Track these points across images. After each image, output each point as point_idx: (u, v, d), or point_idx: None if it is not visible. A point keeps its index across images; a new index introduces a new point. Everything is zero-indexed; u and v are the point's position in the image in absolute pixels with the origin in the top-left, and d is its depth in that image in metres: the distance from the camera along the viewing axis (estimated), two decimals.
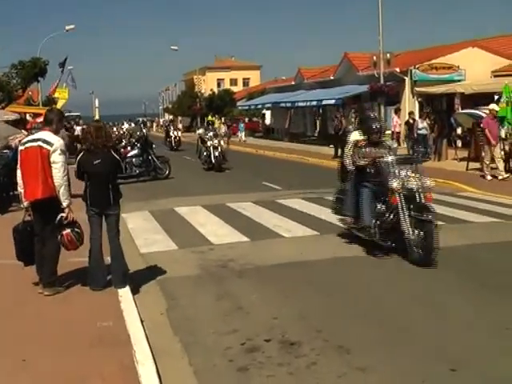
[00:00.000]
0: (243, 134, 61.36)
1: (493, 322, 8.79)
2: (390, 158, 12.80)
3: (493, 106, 25.52)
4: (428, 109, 37.92)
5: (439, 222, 15.56)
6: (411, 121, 33.84)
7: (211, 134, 33.31)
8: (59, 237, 10.01)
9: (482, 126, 25.36)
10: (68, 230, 10.04)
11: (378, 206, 12.80)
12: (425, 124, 32.52)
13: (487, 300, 9.90)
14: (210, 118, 69.94)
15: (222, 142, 33.45)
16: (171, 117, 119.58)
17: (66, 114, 55.28)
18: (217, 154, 31.96)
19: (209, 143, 32.60)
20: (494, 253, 12.95)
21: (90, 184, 10.36)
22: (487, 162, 24.81)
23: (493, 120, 24.64)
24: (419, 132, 32.21)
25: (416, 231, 12.08)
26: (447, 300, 9.94)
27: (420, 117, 33.72)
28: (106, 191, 10.31)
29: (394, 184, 12.32)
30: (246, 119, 70.02)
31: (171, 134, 53.48)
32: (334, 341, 8.19)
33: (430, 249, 11.73)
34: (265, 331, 8.61)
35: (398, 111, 35.53)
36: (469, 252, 13.01)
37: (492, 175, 24.53)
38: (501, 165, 24.66)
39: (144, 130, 33.01)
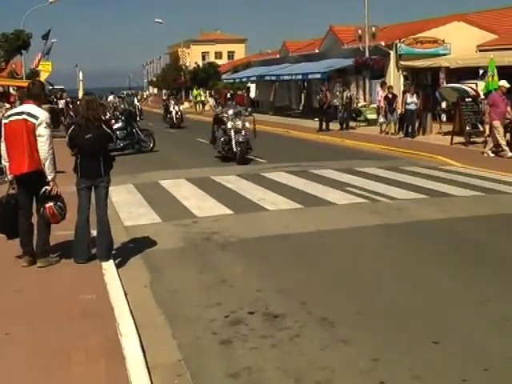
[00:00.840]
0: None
1: (474, 296, 8.85)
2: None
3: (503, 82, 24.91)
4: (411, 83, 37.78)
5: (423, 196, 15.72)
6: (390, 96, 33.13)
7: (232, 112, 24.87)
8: (42, 210, 9.98)
9: (488, 101, 24.94)
10: (51, 204, 9.99)
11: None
12: (414, 99, 31.70)
13: (469, 273, 9.96)
14: (195, 91, 69.58)
15: (247, 124, 24.60)
16: (153, 90, 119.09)
17: (49, 88, 54.95)
18: (241, 139, 23.82)
19: (229, 125, 24.23)
20: (475, 226, 13.02)
21: (81, 157, 10.32)
22: (500, 141, 24.01)
23: (501, 97, 24.12)
24: (407, 107, 31.47)
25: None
26: (430, 273, 10.00)
27: (408, 91, 32.72)
28: (97, 164, 10.27)
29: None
30: (231, 92, 69.66)
31: (171, 109, 46.77)
32: (318, 313, 8.23)
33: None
34: (248, 304, 8.63)
35: (383, 85, 35.21)
36: (451, 225, 13.06)
37: (494, 152, 24.28)
38: (503, 142, 24.05)
39: (137, 103, 32.60)
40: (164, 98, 64.74)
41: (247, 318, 8.17)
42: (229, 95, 32.38)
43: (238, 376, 6.57)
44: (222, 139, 24.55)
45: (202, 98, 69.71)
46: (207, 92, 72.03)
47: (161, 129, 39.59)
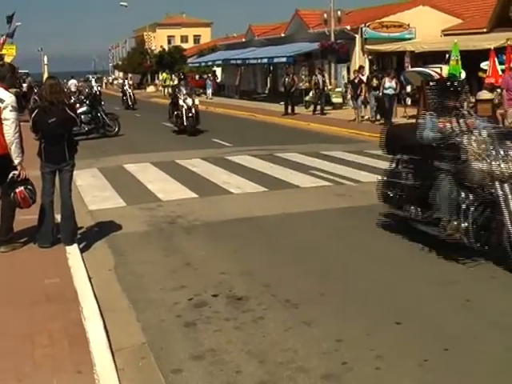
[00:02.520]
0: (210, 91, 59.08)
1: (438, 276, 8.92)
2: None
3: None
4: (376, 67, 37.82)
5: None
6: (356, 80, 32.39)
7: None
8: (12, 194, 9.88)
9: (500, 84, 24.72)
10: (21, 188, 9.89)
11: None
12: (393, 83, 30.33)
13: (433, 254, 10.01)
14: (164, 75, 68.82)
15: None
16: (121, 74, 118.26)
17: None
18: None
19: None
20: None
21: (45, 141, 10.24)
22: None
23: None
24: (385, 92, 30.16)
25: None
26: (394, 254, 10.08)
27: (387, 75, 31.01)
28: (62, 147, 10.20)
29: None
30: (197, 76, 69.27)
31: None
32: (281, 295, 8.27)
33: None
34: (212, 287, 8.65)
35: (361, 69, 34.19)
36: None
37: None
38: None
39: (96, 88, 32.32)
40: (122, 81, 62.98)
41: (211, 300, 8.19)
42: (182, 76, 39.37)
43: (202, 358, 6.60)
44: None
45: (172, 83, 68.63)
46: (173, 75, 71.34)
47: (126, 113, 39.35)
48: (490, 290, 8.41)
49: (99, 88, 32.65)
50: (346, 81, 39.88)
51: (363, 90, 32.11)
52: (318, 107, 37.24)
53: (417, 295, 8.28)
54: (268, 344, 6.88)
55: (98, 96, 29.64)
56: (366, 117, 32.32)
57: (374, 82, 31.75)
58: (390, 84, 30.31)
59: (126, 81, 55.52)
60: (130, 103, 48.25)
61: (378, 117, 31.54)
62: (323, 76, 38.55)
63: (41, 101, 10.52)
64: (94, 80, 39.85)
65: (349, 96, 34.81)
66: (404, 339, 6.94)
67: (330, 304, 8.03)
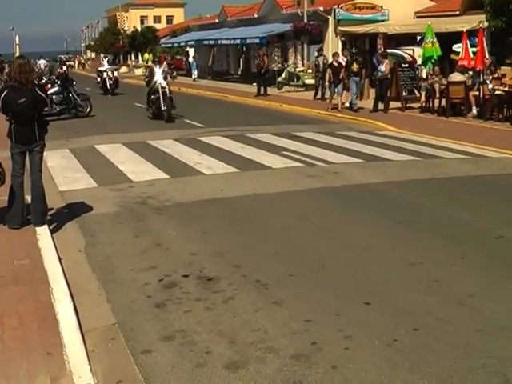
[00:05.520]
0: (196, 72, 56.72)
1: (407, 257, 9.00)
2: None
3: None
4: (354, 49, 37.67)
5: (358, 160, 15.87)
6: (335, 63, 28.72)
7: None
8: None
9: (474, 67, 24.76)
10: None
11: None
12: (382, 67, 27.60)
13: (402, 236, 10.13)
14: (146, 55, 67.95)
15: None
16: (91, 54, 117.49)
17: None
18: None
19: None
20: (410, 190, 13.20)
21: (15, 122, 10.17)
22: None
23: None
24: (379, 75, 27.64)
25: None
26: (363, 236, 10.15)
27: (382, 57, 28.25)
28: (32, 128, 10.15)
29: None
30: (169, 57, 68.83)
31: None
32: (252, 276, 8.29)
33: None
34: (183, 267, 8.66)
35: (335, 55, 32.19)
36: (386, 189, 13.24)
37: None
38: None
39: (64, 68, 32.02)
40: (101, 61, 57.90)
41: (181, 281, 8.20)
42: (156, 59, 36.57)
43: (172, 338, 6.61)
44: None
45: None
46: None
47: (96, 94, 39.03)
48: (459, 271, 8.47)
49: (65, 68, 32.15)
50: (312, 60, 39.11)
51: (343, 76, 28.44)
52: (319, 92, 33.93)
53: (386, 277, 8.32)
54: (238, 324, 6.90)
55: (69, 76, 29.39)
56: (347, 104, 28.58)
57: (355, 66, 28.53)
58: (383, 67, 27.65)
59: (105, 60, 48.79)
60: (108, 87, 42.05)
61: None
62: (325, 57, 34.44)
63: (10, 81, 10.41)
64: (60, 62, 39.44)
65: (323, 81, 32.44)
66: (373, 320, 6.98)
67: (299, 285, 8.06)
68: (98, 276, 8.49)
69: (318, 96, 33.50)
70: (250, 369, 5.96)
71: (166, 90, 25.90)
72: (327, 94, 30.71)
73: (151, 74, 27.39)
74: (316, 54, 35.57)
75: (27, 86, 10.09)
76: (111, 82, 42.17)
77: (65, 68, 32.27)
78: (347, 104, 28.52)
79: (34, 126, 10.15)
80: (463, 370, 5.87)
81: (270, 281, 8.13)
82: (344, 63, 29.26)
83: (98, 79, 44.14)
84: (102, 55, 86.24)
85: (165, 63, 31.08)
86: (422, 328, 6.74)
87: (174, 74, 31.75)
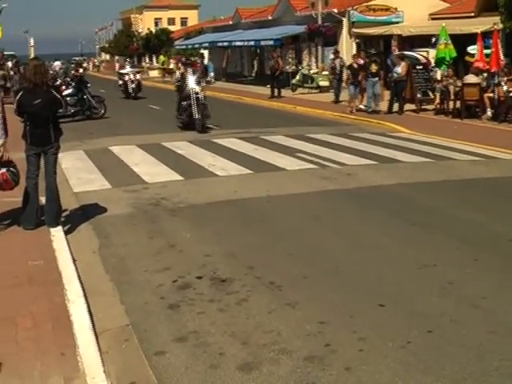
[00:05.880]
0: (213, 74, 54.74)
1: (421, 259, 8.97)
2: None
3: None
4: (373, 50, 37.44)
5: (372, 162, 15.86)
6: (355, 65, 28.44)
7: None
8: None
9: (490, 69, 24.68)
10: (3, 170, 9.85)
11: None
12: (398, 69, 27.08)
13: (416, 238, 10.09)
14: (162, 57, 67.78)
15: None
16: (106, 56, 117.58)
17: None
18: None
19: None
20: (424, 192, 13.17)
21: (30, 123, 10.19)
22: None
23: None
24: (395, 76, 27.20)
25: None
26: (377, 237, 10.13)
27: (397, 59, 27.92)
28: (47, 129, 10.17)
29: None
30: (183, 59, 68.75)
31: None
32: (266, 277, 8.29)
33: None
34: (196, 269, 8.67)
35: (355, 56, 29.53)
36: (399, 191, 13.21)
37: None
38: None
39: (80, 70, 31.95)
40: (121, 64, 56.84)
41: (195, 282, 8.21)
42: (188, 61, 32.36)
43: (186, 340, 6.61)
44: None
45: (171, 66, 66.51)
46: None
47: (118, 97, 39.05)
48: (472, 273, 8.45)
49: (82, 71, 31.97)
50: (329, 63, 39.29)
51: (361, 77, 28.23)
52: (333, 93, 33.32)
53: (399, 278, 8.31)
54: (251, 326, 6.91)
55: (84, 78, 29.48)
56: (362, 106, 28.36)
57: (374, 67, 27.80)
58: (399, 69, 27.16)
59: (127, 62, 46.08)
60: (130, 91, 39.37)
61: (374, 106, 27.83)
62: (342, 60, 33.74)
63: (25, 82, 10.45)
64: (76, 64, 39.18)
65: (340, 84, 32.47)
66: (387, 321, 6.97)
67: (313, 286, 8.06)
68: (111, 277, 8.51)
69: (340, 99, 32.16)
70: (264, 370, 5.96)
71: (200, 95, 22.92)
72: (343, 96, 30.60)
73: (183, 78, 24.51)
74: (332, 56, 35.03)
75: (42, 87, 10.12)
76: (133, 85, 39.61)
77: (81, 70, 32.26)
78: (361, 106, 28.32)
79: (49, 128, 10.18)
80: (477, 372, 5.86)
81: (283, 282, 8.12)
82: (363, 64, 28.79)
83: (120, 82, 41.45)
84: (116, 57, 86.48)
85: (198, 65, 30.15)
86: (435, 330, 6.72)
87: (209, 78, 27.88)
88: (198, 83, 23.31)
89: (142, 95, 39.52)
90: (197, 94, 22.81)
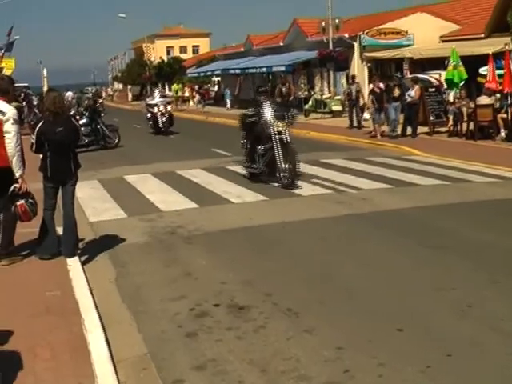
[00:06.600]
0: (229, 102, 56.46)
1: (439, 283, 8.93)
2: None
3: None
4: (398, 74, 37.33)
5: (387, 186, 15.83)
6: (377, 90, 27.84)
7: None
8: (13, 208, 9.85)
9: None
10: (22, 201, 9.87)
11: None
12: (412, 92, 27.23)
13: (433, 261, 10.04)
14: (175, 86, 67.97)
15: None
16: (118, 86, 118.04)
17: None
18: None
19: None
20: (440, 215, 13.11)
21: (51, 154, 10.16)
22: None
23: None
24: (409, 100, 27.15)
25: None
26: (394, 261, 10.10)
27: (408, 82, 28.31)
28: (68, 161, 10.21)
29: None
30: (196, 86, 69.11)
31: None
32: (282, 304, 8.26)
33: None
34: (213, 296, 8.65)
35: (375, 81, 28.98)
36: (415, 215, 13.18)
37: None
38: None
39: (100, 100, 31.92)
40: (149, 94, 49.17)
41: (212, 310, 8.19)
42: (262, 88, 22.30)
43: (204, 368, 6.59)
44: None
45: (186, 94, 65.87)
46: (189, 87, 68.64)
47: (125, 124, 39.21)
48: (490, 296, 8.40)
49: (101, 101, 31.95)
50: (345, 88, 39.65)
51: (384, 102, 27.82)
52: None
53: (417, 301, 8.27)
54: (270, 353, 6.88)
55: (97, 108, 29.60)
56: (383, 131, 27.91)
57: (397, 92, 27.72)
58: (413, 92, 27.25)
59: (157, 91, 38.80)
60: (160, 125, 33.96)
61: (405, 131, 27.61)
62: (358, 85, 33.24)
63: (43, 113, 10.51)
64: (94, 94, 38.98)
65: (364, 113, 32.21)
66: (405, 346, 6.93)
67: (329, 312, 8.03)
68: (128, 306, 8.50)
69: (354, 124, 32.10)
70: None
71: (285, 136, 16.80)
72: (362, 122, 30.86)
73: (257, 111, 17.83)
74: (348, 81, 34.91)
75: (63, 115, 10.21)
76: (164, 118, 33.86)
77: (100, 100, 32.27)
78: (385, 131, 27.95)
79: (70, 159, 10.22)
80: None
81: (300, 308, 8.10)
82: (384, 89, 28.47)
83: (148, 115, 35.57)
84: (129, 86, 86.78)
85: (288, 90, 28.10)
86: (455, 354, 6.67)
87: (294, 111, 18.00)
88: (282, 118, 17.12)
89: (173, 129, 34.54)
90: (280, 133, 16.77)
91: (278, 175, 16.53)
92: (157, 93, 36.72)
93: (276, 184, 14.11)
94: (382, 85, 28.68)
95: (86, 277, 9.43)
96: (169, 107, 35.14)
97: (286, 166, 16.34)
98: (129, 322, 8.00)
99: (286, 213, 13.57)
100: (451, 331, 7.31)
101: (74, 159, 10.33)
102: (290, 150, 16.72)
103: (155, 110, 34.25)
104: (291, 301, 8.36)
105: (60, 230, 10.58)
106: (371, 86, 29.33)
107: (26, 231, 10.87)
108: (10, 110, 9.71)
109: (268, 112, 17.07)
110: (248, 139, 18.34)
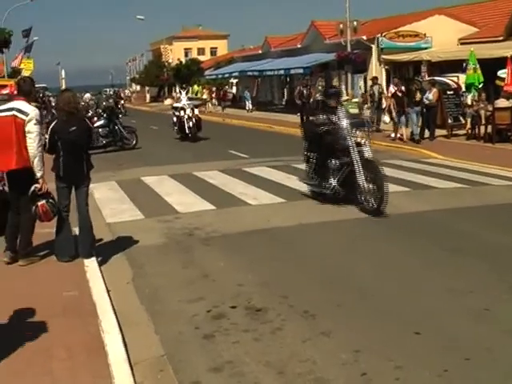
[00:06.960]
0: (250, 103, 56.23)
1: (456, 286, 8.89)
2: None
3: None
4: (420, 78, 37.15)
5: (405, 189, 15.76)
6: (399, 93, 27.05)
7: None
8: (34, 208, 9.89)
9: None
10: (43, 201, 9.90)
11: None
12: (430, 95, 27.02)
13: (451, 264, 10.00)
14: (195, 87, 67.91)
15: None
16: (136, 87, 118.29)
17: None
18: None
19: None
20: (458, 218, 13.06)
21: (64, 154, 10.15)
22: None
23: None
24: (427, 103, 26.94)
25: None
26: (412, 265, 10.06)
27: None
28: (80, 162, 10.21)
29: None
30: (214, 88, 69.15)
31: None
32: (300, 306, 8.25)
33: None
34: (231, 298, 8.64)
35: (398, 84, 28.20)
36: (433, 217, 13.13)
37: None
38: None
39: (122, 101, 31.90)
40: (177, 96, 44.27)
41: (229, 312, 8.18)
42: (332, 90, 16.63)
43: (221, 370, 6.58)
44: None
45: (205, 96, 63.72)
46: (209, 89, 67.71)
47: (143, 126, 39.31)
48: (509, 299, 8.35)
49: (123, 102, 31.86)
50: (362, 91, 39.72)
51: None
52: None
53: (434, 304, 8.24)
54: (286, 355, 6.86)
55: (118, 109, 29.57)
56: (403, 134, 27.25)
57: (418, 95, 27.10)
58: (430, 95, 27.07)
59: (184, 92, 36.20)
60: (187, 131, 31.22)
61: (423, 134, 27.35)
62: (380, 87, 32.95)
63: (58, 112, 10.56)
64: (116, 95, 38.93)
65: (384, 116, 31.43)
66: (423, 349, 6.90)
67: (346, 314, 8.01)
68: (146, 307, 8.51)
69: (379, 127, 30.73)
70: None
71: (366, 150, 14.23)
72: (383, 125, 30.44)
73: (328, 118, 14.59)
74: (369, 82, 34.42)
75: (77, 114, 10.24)
76: (191, 123, 31.17)
77: (122, 102, 32.30)
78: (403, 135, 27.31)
79: (83, 160, 10.22)
80: None
81: (317, 311, 8.08)
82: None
83: (174, 119, 32.95)
84: (146, 88, 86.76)
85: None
86: (472, 358, 6.63)
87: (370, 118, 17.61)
88: (361, 126, 14.74)
89: (202, 135, 31.98)
90: (359, 145, 14.22)
91: (359, 197, 13.80)
92: (183, 95, 34.50)
93: (356, 208, 13.40)
94: (403, 88, 27.95)
95: (103, 277, 9.44)
96: (196, 110, 32.19)
97: (370, 186, 13.54)
98: (146, 323, 8.01)
99: (304, 215, 13.54)
100: (468, 334, 7.27)
101: (87, 160, 10.34)
102: (373, 168, 13.80)
103: (181, 113, 31.62)
104: (308, 303, 8.34)
105: (76, 231, 10.61)
106: (391, 89, 28.88)
107: (44, 232, 10.91)
108: (32, 111, 9.76)
109: (344, 120, 14.27)
110: (313, 151, 15.22)
